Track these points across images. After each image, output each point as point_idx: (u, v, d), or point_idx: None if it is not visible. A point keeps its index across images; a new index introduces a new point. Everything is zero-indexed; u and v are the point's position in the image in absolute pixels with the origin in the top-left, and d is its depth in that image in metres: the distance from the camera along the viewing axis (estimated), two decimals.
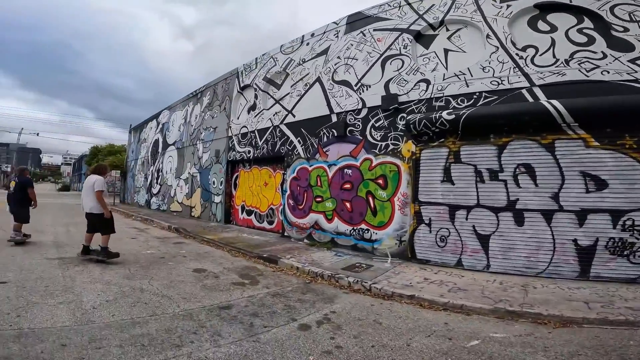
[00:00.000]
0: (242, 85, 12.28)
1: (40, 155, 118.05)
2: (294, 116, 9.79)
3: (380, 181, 7.55)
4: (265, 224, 10.84)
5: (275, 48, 10.94)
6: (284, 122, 10.08)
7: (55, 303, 3.88)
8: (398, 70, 7.52)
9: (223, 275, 5.78)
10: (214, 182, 12.98)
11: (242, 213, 11.83)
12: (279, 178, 10.46)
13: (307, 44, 9.70)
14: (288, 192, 9.62)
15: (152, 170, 19.23)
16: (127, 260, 6.30)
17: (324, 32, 9.25)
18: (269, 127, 10.60)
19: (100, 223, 5.99)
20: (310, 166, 9.10)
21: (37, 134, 58.66)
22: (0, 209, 8.78)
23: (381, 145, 7.62)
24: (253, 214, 11.32)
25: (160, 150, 18.52)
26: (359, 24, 8.43)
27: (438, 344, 3.29)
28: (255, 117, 11.34)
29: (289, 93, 10.14)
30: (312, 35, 9.62)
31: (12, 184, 7.72)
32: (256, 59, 11.71)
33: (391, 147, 7.46)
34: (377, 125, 7.76)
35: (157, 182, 18.40)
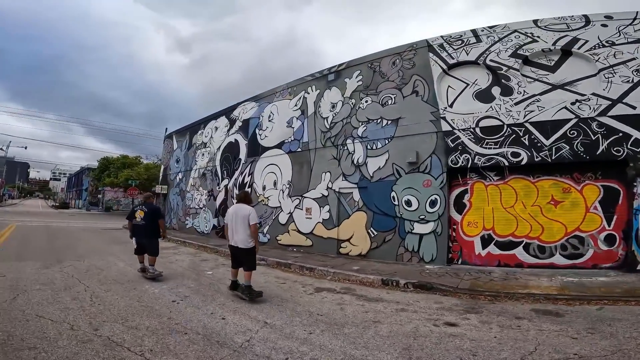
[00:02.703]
0: (452, 62, 8.64)
1: (28, 170, 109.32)
2: (633, 108, 6.83)
3: None
4: (555, 259, 7.25)
5: (516, 22, 8.27)
6: (608, 114, 6.91)
7: None
8: None
9: None
10: (408, 202, 8.80)
11: (483, 247, 7.93)
12: (592, 192, 7.03)
13: (605, 25, 7.35)
14: None
15: (226, 186, 14.00)
16: None
17: None
18: (569, 120, 7.24)
19: (247, 258, 5.34)
20: None
21: (25, 147, 47.16)
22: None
23: None
24: (520, 247, 7.54)
25: (243, 157, 13.53)
26: None
27: None
28: (516, 104, 7.72)
29: (595, 75, 7.27)
30: (608, 17, 7.38)
31: (141, 214, 6.66)
32: (474, 30, 8.66)
33: None
34: None
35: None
